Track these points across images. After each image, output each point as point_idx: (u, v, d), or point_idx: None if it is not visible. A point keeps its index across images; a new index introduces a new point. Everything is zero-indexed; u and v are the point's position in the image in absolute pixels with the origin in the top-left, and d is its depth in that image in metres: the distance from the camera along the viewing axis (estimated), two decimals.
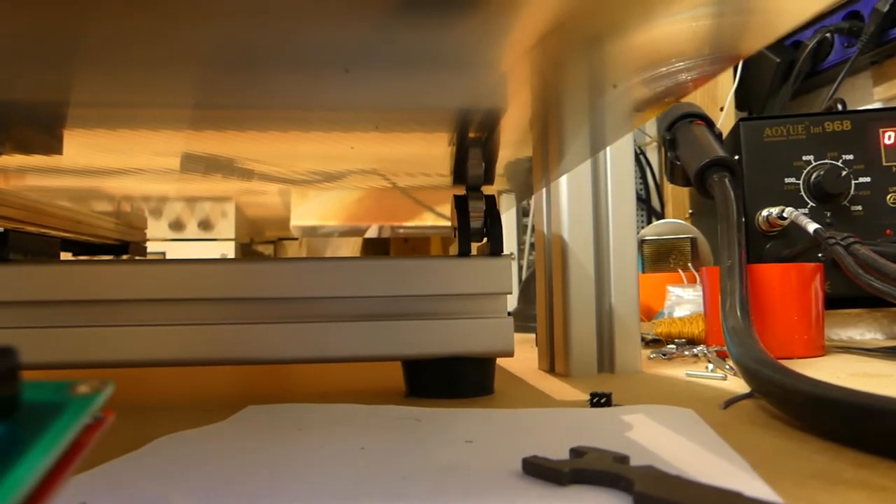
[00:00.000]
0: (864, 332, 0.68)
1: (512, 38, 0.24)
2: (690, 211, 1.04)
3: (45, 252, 0.40)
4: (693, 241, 0.81)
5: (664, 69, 0.27)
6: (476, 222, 0.39)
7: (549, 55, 0.25)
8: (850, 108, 1.03)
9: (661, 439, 0.25)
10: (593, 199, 0.47)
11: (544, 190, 0.51)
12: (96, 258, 0.70)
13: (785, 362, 0.51)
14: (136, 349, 0.36)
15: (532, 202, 0.52)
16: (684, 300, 0.70)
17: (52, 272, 0.35)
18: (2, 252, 0.35)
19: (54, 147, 0.39)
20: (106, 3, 0.20)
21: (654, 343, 0.64)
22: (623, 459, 0.21)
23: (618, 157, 0.48)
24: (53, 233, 0.56)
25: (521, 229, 1.13)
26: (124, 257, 0.75)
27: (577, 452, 0.22)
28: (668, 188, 1.15)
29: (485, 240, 0.40)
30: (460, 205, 0.40)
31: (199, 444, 0.26)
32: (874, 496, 0.19)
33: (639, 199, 1.13)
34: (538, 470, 0.21)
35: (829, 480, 0.21)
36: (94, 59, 0.25)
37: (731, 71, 1.14)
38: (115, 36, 0.23)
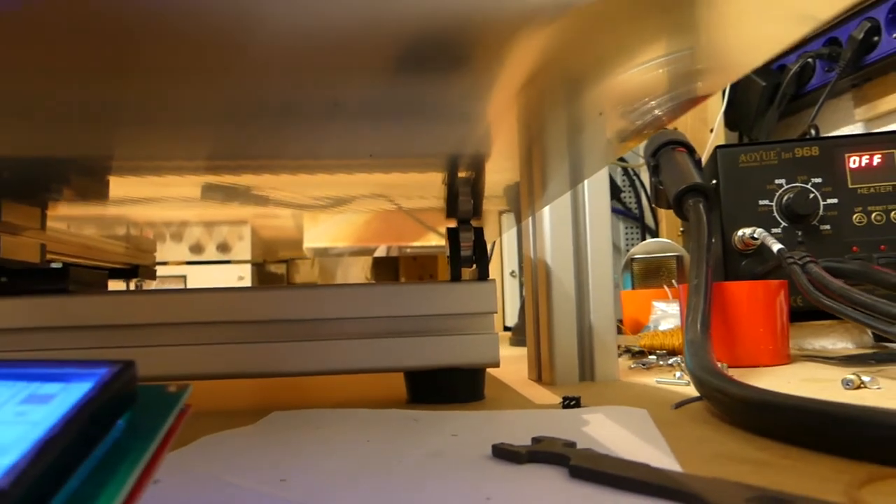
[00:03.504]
0: (836, 341, 0.74)
1: (495, 91, 0.28)
2: (682, 229, 1.10)
3: (96, 283, 0.47)
4: (679, 258, 0.87)
5: (637, 108, 0.32)
6: (466, 251, 0.45)
7: (529, 104, 0.30)
8: (832, 129, 1.10)
9: (608, 431, 0.31)
10: (573, 229, 0.53)
11: (531, 220, 0.57)
12: (142, 289, 0.76)
13: (751, 370, 0.57)
14: (175, 366, 0.42)
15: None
16: (668, 314, 0.75)
17: (105, 301, 0.42)
18: (63, 284, 0.42)
19: (102, 192, 0.46)
20: (140, 75, 0.25)
21: (639, 354, 0.70)
22: (571, 444, 0.27)
23: (594, 192, 0.54)
24: (66, 259, 0.62)
25: (522, 251, 1.19)
26: (133, 281, 0.80)
27: (536, 440, 0.28)
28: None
29: (474, 266, 0.46)
30: (452, 236, 0.46)
31: (237, 440, 0.32)
32: (754, 468, 0.25)
33: (633, 217, 1.19)
34: (503, 453, 0.27)
35: (730, 459, 0.26)
36: (128, 121, 0.31)
37: (720, 94, 1.20)
38: (145, 101, 0.28)
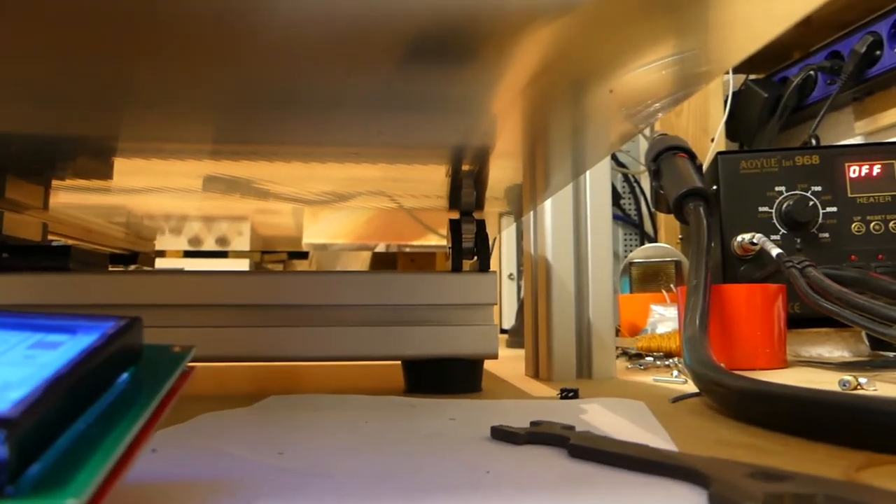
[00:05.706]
0: (833, 349, 0.74)
1: (501, 85, 0.29)
2: (681, 236, 1.10)
3: (97, 263, 0.47)
4: (677, 263, 0.87)
5: (639, 107, 0.32)
6: (468, 243, 0.45)
7: (534, 99, 0.31)
8: (832, 141, 1.10)
9: (606, 418, 0.31)
10: (574, 226, 0.54)
11: (532, 217, 0.57)
12: (143, 270, 0.76)
13: (748, 373, 0.57)
14: None
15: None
16: (666, 318, 0.76)
17: (106, 280, 0.42)
18: (65, 262, 0.42)
19: (106, 173, 0.46)
20: (150, 57, 0.25)
21: (636, 357, 0.70)
22: (569, 428, 0.27)
23: (596, 189, 0.54)
24: (65, 240, 0.62)
25: (521, 251, 1.19)
26: (132, 267, 0.80)
27: (534, 423, 0.28)
28: (662, 214, 1.21)
29: (475, 258, 0.46)
30: (454, 227, 0.46)
31: (234, 418, 0.32)
32: (752, 453, 0.25)
33: (632, 223, 1.19)
34: (502, 434, 0.27)
35: (725, 444, 0.26)
36: (139, 103, 0.31)
37: (721, 104, 1.21)
38: (155, 83, 0.28)
